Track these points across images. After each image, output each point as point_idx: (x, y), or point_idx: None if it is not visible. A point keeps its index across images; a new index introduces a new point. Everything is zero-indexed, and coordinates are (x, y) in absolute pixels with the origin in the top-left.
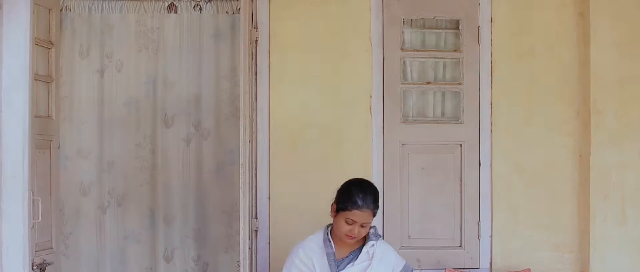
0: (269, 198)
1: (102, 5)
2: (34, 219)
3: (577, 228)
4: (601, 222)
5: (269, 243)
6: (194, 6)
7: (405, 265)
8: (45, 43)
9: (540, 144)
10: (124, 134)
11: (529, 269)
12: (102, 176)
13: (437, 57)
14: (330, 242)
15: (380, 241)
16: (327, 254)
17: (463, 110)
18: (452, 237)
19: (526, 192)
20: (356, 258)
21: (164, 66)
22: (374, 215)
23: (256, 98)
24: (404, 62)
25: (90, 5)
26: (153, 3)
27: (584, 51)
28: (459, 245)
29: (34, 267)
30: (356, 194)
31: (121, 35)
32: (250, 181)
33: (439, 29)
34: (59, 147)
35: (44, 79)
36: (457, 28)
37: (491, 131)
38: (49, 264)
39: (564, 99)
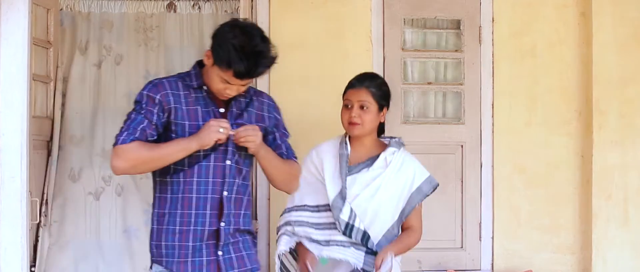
0: (269, 199)
1: (102, 4)
2: (31, 220)
3: (579, 229)
4: (603, 223)
5: (269, 244)
6: (193, 5)
7: (426, 178)
8: (43, 43)
9: (542, 144)
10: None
11: (531, 271)
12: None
13: (438, 58)
14: (346, 144)
15: (403, 150)
16: (341, 155)
17: (464, 111)
18: (453, 238)
19: (528, 193)
20: (372, 164)
21: (163, 62)
22: (374, 97)
23: None
24: (404, 62)
25: (90, 4)
26: (153, 2)
27: (586, 51)
28: (460, 246)
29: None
30: (352, 80)
31: (120, 32)
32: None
33: (440, 29)
34: (59, 148)
35: (42, 79)
36: (459, 28)
37: (492, 132)
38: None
39: (566, 100)
